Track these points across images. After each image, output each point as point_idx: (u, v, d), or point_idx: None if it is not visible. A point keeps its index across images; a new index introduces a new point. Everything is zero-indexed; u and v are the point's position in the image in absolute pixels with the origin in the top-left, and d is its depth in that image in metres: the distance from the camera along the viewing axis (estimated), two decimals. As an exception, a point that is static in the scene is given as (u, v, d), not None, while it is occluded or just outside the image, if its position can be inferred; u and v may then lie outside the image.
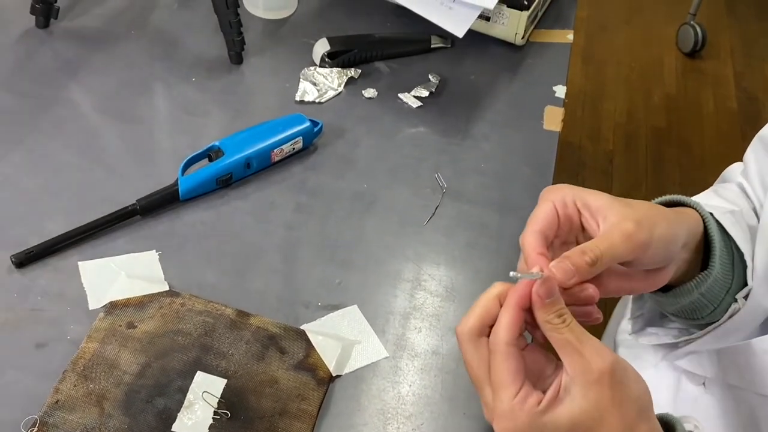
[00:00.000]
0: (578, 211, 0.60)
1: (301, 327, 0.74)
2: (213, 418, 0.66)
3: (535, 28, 1.10)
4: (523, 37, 1.05)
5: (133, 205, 0.80)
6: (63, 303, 0.73)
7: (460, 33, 0.94)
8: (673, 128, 2.59)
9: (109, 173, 0.85)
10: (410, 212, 0.86)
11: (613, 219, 0.58)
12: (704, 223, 0.65)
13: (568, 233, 0.62)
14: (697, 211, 0.66)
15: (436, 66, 1.03)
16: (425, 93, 0.99)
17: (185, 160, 0.84)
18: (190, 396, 0.67)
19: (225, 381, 0.69)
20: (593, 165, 2.42)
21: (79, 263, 0.76)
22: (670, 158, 2.46)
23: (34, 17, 0.99)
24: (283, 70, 1.00)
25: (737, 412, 0.68)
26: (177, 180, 0.82)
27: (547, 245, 0.58)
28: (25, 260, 0.75)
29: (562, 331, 0.52)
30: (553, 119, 0.98)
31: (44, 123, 0.90)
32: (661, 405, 0.67)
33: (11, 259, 0.75)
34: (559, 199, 0.60)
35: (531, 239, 0.58)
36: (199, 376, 0.69)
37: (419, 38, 1.05)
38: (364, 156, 0.91)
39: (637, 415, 0.51)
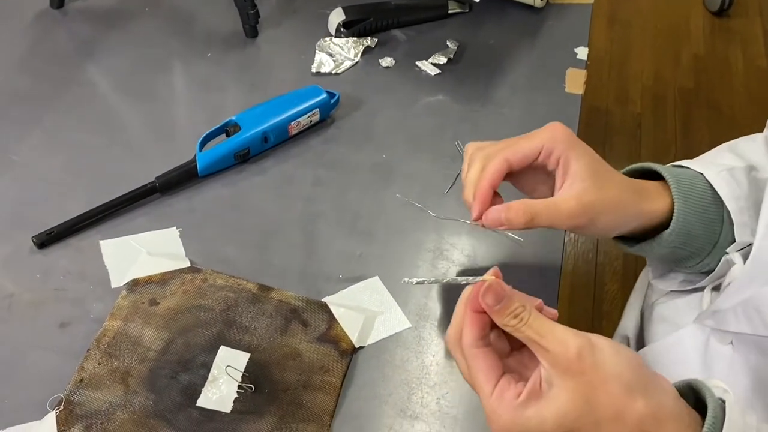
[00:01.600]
0: (558, 164, 0.65)
1: (323, 300, 0.73)
2: (237, 392, 0.66)
3: (554, -11, 1.07)
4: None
5: (152, 182, 0.80)
6: (85, 282, 0.73)
7: (476, -5, 0.92)
8: (701, 89, 2.54)
9: (127, 151, 0.85)
10: (431, 181, 0.84)
11: (571, 192, 0.63)
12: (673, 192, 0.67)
13: (539, 168, 0.66)
14: (670, 184, 0.67)
15: (453, 32, 1.01)
16: (443, 60, 0.97)
17: (202, 137, 0.83)
18: (214, 371, 0.68)
19: (248, 355, 0.69)
20: (621, 129, 2.38)
21: (101, 242, 0.76)
22: (700, 119, 2.42)
23: (48, -2, 1.00)
24: (299, 42, 0.99)
25: (766, 369, 0.67)
26: (195, 156, 0.82)
27: (508, 171, 0.65)
28: (46, 241, 0.75)
29: (522, 330, 0.52)
30: (575, 82, 0.96)
31: (61, 103, 0.90)
32: (692, 367, 0.66)
33: (33, 240, 0.75)
34: (549, 146, 0.65)
35: (495, 165, 0.65)
36: (223, 350, 0.69)
37: (436, 4, 1.03)
38: (382, 126, 0.90)
39: (624, 394, 0.49)
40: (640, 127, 2.41)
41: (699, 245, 0.68)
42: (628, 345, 0.79)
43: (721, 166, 0.69)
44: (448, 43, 0.99)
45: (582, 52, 0.99)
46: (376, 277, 0.76)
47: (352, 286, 0.75)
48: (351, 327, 0.71)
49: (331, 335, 0.71)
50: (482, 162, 0.66)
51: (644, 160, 0.64)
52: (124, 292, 0.72)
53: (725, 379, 0.54)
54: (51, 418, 0.64)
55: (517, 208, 0.63)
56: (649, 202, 0.67)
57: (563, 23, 1.04)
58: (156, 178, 0.80)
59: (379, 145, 0.88)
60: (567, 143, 0.65)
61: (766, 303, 0.62)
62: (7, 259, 0.74)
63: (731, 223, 0.67)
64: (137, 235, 0.77)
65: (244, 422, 0.64)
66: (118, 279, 0.74)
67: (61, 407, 0.64)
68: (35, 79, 0.92)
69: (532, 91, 0.95)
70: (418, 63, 0.97)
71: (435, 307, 0.74)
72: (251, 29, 0.98)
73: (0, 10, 1.01)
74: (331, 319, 0.72)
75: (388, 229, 0.80)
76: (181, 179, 0.81)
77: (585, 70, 0.98)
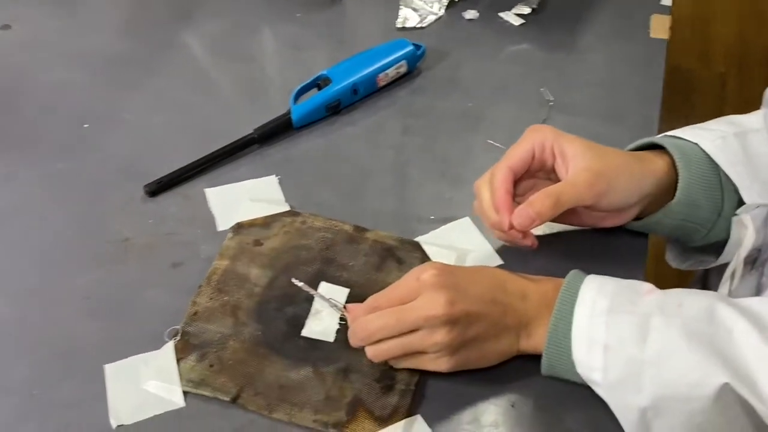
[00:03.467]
0: (554, 155, 0.70)
1: (416, 239, 0.77)
2: (339, 323, 0.70)
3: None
4: (625, -54, 1.03)
5: (251, 134, 0.84)
6: (194, 227, 0.78)
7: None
8: (738, 76, 2.45)
9: (226, 108, 0.90)
10: (517, 127, 0.85)
11: (579, 167, 0.68)
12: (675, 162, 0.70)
13: (538, 171, 0.72)
14: (671, 153, 0.70)
15: (536, -17, 1.02)
16: (527, 10, 0.98)
17: (296, 90, 0.87)
18: (316, 304, 0.71)
19: (347, 290, 0.72)
20: (704, 89, 2.32)
21: (206, 190, 0.81)
22: (788, 78, 2.34)
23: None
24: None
25: None
26: (290, 109, 0.86)
27: (515, 180, 0.70)
28: (156, 189, 0.80)
29: None
30: (660, 27, 0.96)
31: (162, 66, 0.95)
32: None
33: (144, 189, 0.80)
34: (539, 141, 0.70)
35: (501, 175, 0.70)
36: (323, 286, 0.73)
37: (518, -44, 1.04)
38: (467, 76, 0.92)
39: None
40: (725, 88, 2.35)
41: (704, 216, 0.71)
42: None
43: (714, 134, 0.72)
44: (530, -7, 1.01)
45: None
46: (467, 218, 0.78)
47: (444, 227, 0.78)
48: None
49: (425, 271, 0.74)
50: (487, 184, 0.71)
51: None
52: (230, 234, 0.77)
53: None
54: (169, 347, 0.69)
55: (539, 198, 0.67)
56: (651, 163, 0.71)
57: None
58: (254, 130, 0.85)
59: (466, 93, 0.90)
60: (554, 134, 0.70)
61: None
62: (122, 207, 0.80)
63: (731, 191, 0.70)
64: (239, 183, 0.82)
65: (346, 350, 0.68)
66: (224, 223, 0.78)
67: (178, 338, 0.69)
68: (136, 44, 0.98)
69: (617, 37, 0.96)
70: (501, 14, 0.99)
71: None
72: (337, -11, 1.01)
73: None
74: (424, 257, 0.75)
75: (477, 173, 0.82)
76: (277, 130, 0.85)
77: (670, 16, 0.98)
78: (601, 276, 0.65)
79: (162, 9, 1.02)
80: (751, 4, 2.56)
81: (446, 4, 0.99)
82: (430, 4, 0.99)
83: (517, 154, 0.70)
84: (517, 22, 0.97)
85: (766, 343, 0.56)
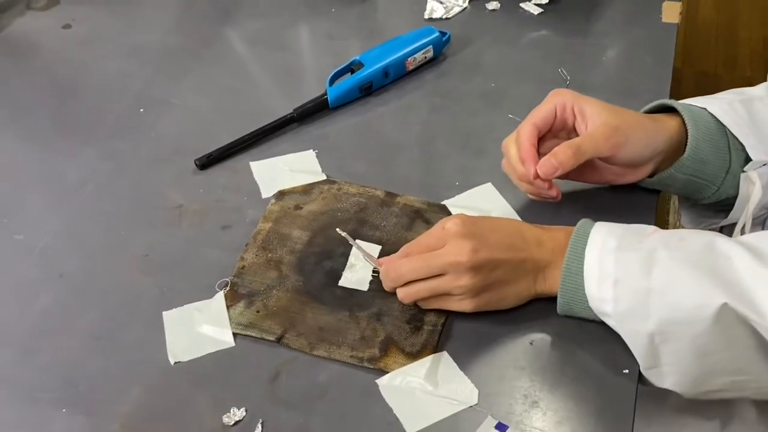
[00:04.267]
0: (574, 115, 0.76)
1: (442, 203, 0.83)
2: (372, 275, 0.77)
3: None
4: (637, -60, 1.09)
5: (291, 113, 0.92)
6: (240, 195, 0.86)
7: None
8: (736, 73, 2.48)
9: (267, 92, 0.98)
10: (536, 103, 0.92)
11: (597, 122, 0.75)
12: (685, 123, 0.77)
13: (559, 131, 0.79)
14: (680, 112, 0.77)
15: (553, -24, 1.09)
16: (545, 0, 1.05)
17: (332, 73, 0.95)
18: (351, 259, 0.79)
19: (380, 247, 0.79)
20: (731, 92, 2.36)
21: (251, 163, 0.89)
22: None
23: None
24: (415, -8, 1.09)
25: None
26: (326, 91, 0.94)
27: (539, 136, 0.77)
28: (206, 163, 0.88)
29: None
30: (671, 12, 1.03)
31: (208, 57, 1.04)
32: None
33: (195, 162, 0.88)
34: (560, 102, 0.77)
35: (526, 130, 0.76)
36: (358, 243, 0.80)
37: (536, -48, 1.11)
38: (489, 61, 0.99)
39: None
40: (752, 91, 2.39)
41: (713, 172, 0.77)
42: None
43: (721, 101, 0.79)
44: (549, -17, 1.08)
45: None
46: (489, 183, 0.85)
47: (468, 191, 0.85)
48: (468, 222, 0.81)
49: (451, 229, 0.80)
50: (513, 141, 0.78)
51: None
52: (273, 200, 0.85)
53: None
54: (220, 296, 0.76)
55: (561, 148, 0.74)
56: (663, 122, 0.77)
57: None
58: (294, 109, 0.92)
59: (488, 76, 0.97)
60: (574, 96, 0.77)
61: None
62: (175, 179, 0.88)
63: (738, 150, 0.77)
64: (280, 156, 0.89)
65: (379, 298, 0.75)
66: (267, 191, 0.86)
67: (228, 288, 0.77)
68: (186, 40, 1.06)
69: (631, 23, 1.02)
70: (521, 5, 1.06)
71: (542, 208, 0.82)
72: (369, -15, 1.09)
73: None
74: (450, 217, 0.82)
75: (499, 145, 0.88)
76: (315, 110, 0.93)
77: (680, 2, 1.04)
78: (609, 222, 0.71)
79: (207, 8, 1.11)
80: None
81: (470, -5, 1.07)
82: (455, -4, 1.06)
83: (540, 113, 0.77)
84: (536, 11, 1.04)
85: (762, 265, 0.62)
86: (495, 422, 0.61)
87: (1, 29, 1.08)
